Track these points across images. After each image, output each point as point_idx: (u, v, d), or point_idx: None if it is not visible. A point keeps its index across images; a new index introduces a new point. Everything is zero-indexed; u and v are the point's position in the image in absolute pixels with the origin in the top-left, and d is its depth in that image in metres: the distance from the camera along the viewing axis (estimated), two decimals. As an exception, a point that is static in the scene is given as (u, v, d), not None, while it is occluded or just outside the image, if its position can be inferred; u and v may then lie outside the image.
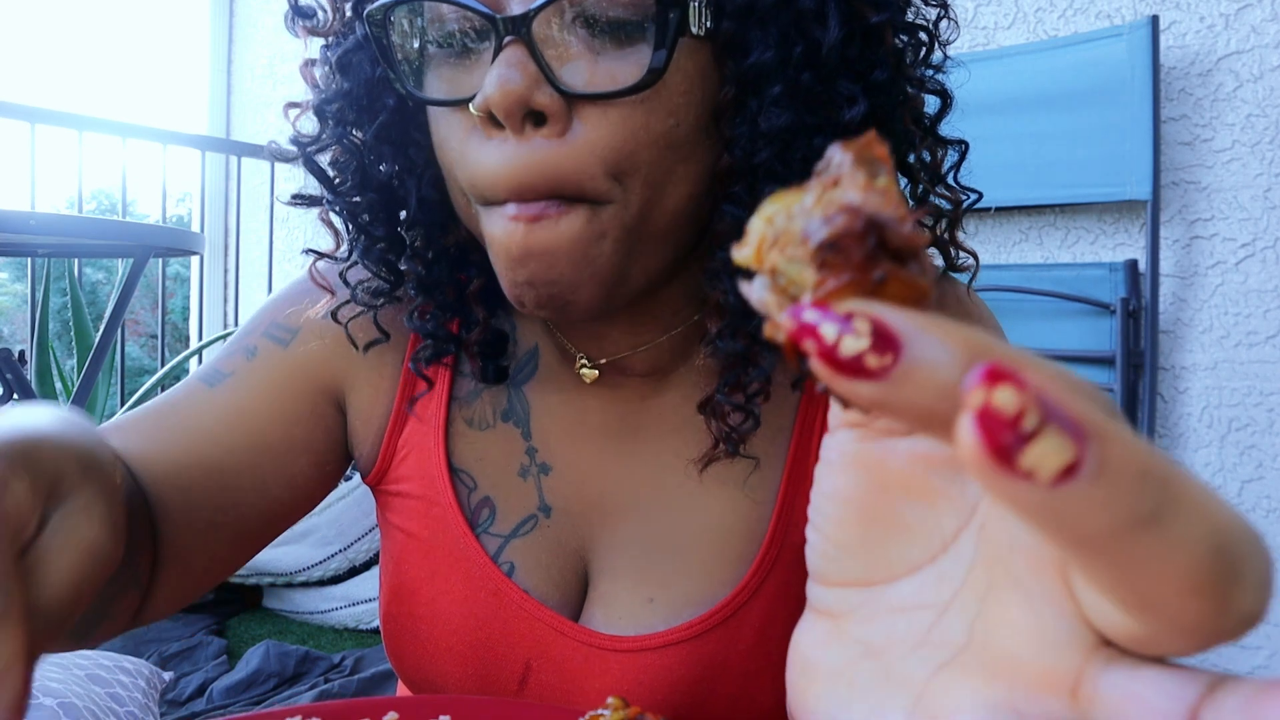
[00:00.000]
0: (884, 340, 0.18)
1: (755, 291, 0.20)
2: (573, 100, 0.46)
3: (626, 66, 0.46)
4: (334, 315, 0.61)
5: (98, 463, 0.35)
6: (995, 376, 0.16)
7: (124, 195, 2.98)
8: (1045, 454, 0.16)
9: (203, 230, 3.30)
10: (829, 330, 0.18)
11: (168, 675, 1.39)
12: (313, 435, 0.62)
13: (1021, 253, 2.04)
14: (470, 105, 0.47)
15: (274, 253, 3.39)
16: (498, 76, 0.45)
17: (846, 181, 0.20)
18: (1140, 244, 1.91)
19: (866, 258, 0.19)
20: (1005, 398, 0.16)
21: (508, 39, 0.45)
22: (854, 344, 0.18)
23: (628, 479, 0.60)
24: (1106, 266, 1.91)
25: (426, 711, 0.50)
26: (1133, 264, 1.89)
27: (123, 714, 1.06)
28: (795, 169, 0.49)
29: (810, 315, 0.19)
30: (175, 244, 1.86)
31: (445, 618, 0.60)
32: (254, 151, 3.31)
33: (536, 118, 0.46)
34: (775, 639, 0.56)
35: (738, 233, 0.49)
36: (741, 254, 0.21)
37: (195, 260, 3.30)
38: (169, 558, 0.56)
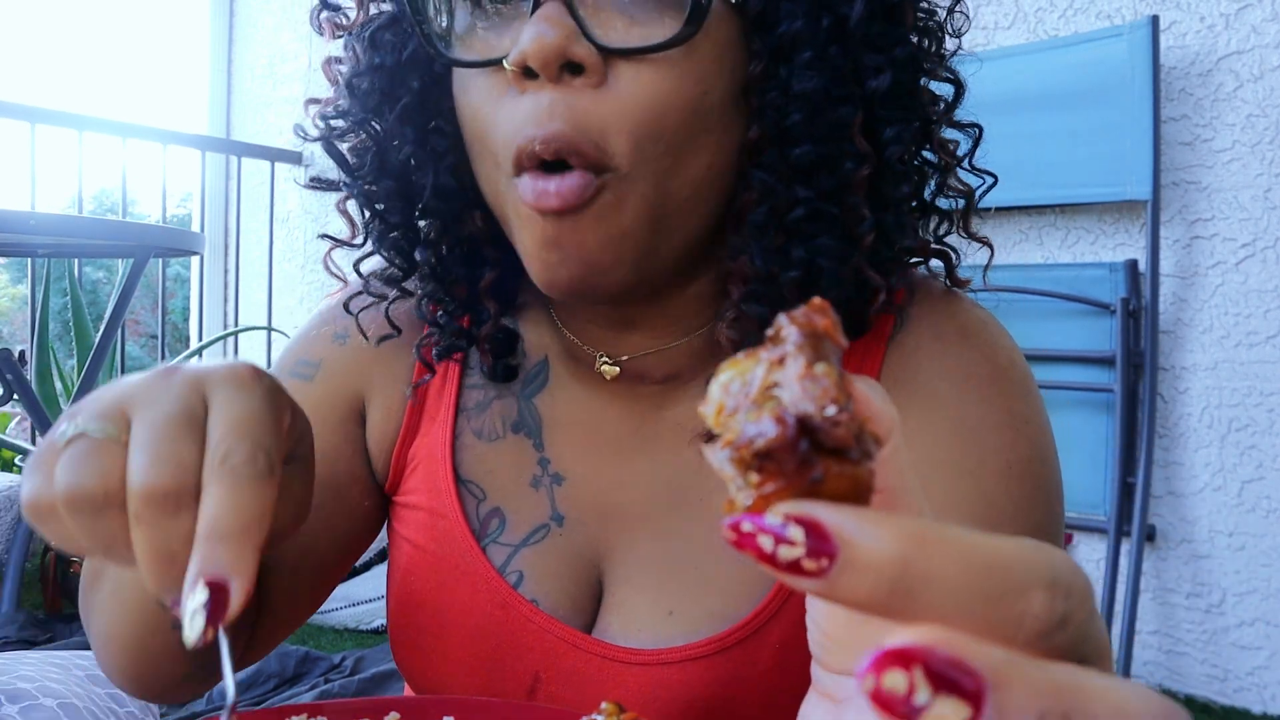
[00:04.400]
0: (820, 542, 0.19)
1: (717, 461, 0.21)
2: (608, 55, 0.47)
3: (661, 27, 0.47)
4: (345, 306, 0.61)
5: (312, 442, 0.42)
6: (883, 663, 0.18)
7: (124, 195, 2.98)
8: (943, 716, 0.17)
9: (203, 230, 3.30)
10: (765, 541, 0.19)
11: (168, 675, 1.39)
12: (354, 465, 0.63)
13: (1022, 253, 2.04)
14: (505, 61, 0.47)
15: (274, 253, 3.39)
16: (535, 31, 0.46)
17: (789, 364, 0.21)
18: (1140, 244, 1.91)
19: (800, 462, 0.20)
20: (893, 681, 0.18)
21: None
22: (789, 552, 0.19)
23: (644, 488, 0.59)
24: (1106, 266, 1.91)
25: (428, 712, 0.50)
26: (1133, 264, 1.89)
27: (123, 714, 1.06)
28: (823, 133, 0.50)
29: (748, 525, 0.20)
30: (175, 244, 1.86)
31: (452, 630, 0.60)
32: (254, 151, 3.31)
33: (573, 68, 0.47)
34: (796, 661, 0.55)
35: (766, 198, 0.51)
36: (704, 410, 0.22)
37: (195, 260, 3.30)
38: (262, 601, 0.59)
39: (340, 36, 0.57)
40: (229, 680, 0.35)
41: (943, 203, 0.58)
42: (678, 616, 0.56)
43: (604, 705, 0.47)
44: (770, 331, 0.22)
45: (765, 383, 0.21)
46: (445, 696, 0.53)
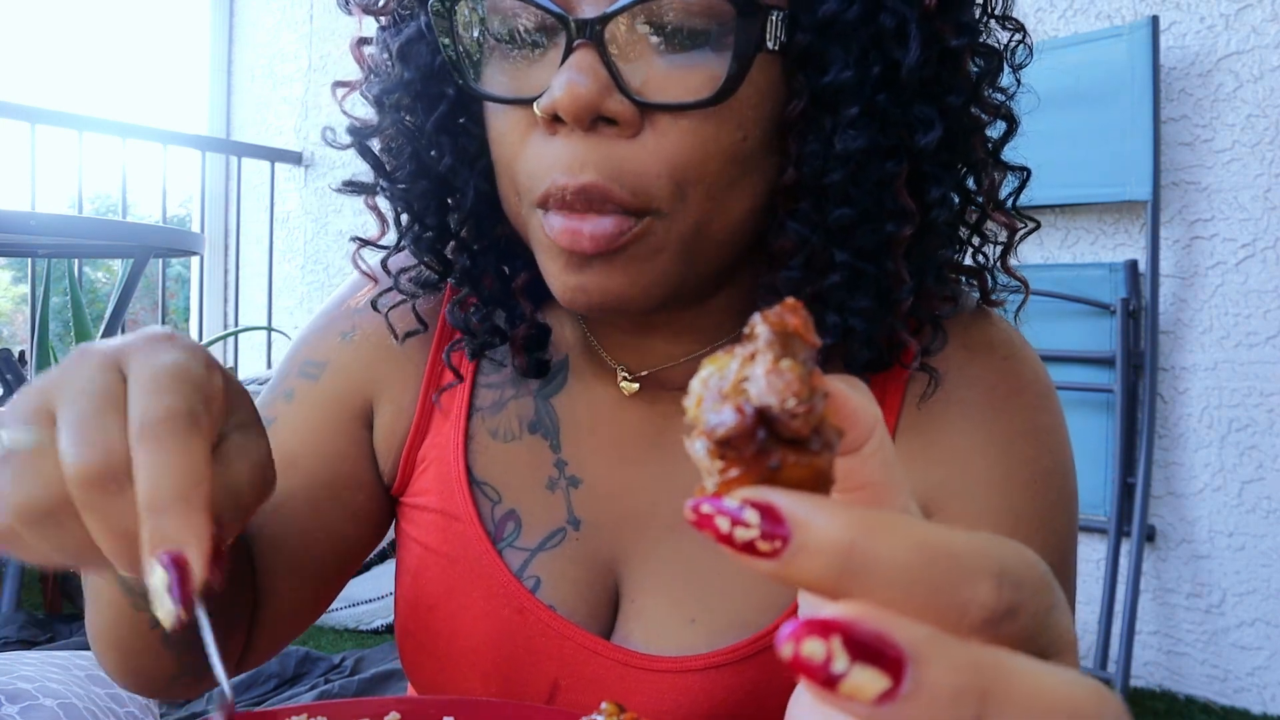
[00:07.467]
0: (774, 525, 0.20)
1: (693, 451, 0.22)
2: (644, 108, 0.45)
3: (698, 77, 0.45)
4: (374, 304, 0.61)
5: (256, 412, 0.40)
6: (802, 632, 0.19)
7: (124, 195, 2.98)
8: (861, 684, 0.18)
9: (203, 230, 3.30)
10: (722, 522, 0.20)
11: (168, 675, 1.38)
12: (358, 467, 0.62)
13: (1022, 253, 2.04)
14: (535, 105, 0.46)
15: (274, 253, 3.39)
16: (567, 80, 0.44)
17: (758, 360, 0.22)
18: (1140, 244, 1.91)
19: (759, 450, 0.21)
20: (811, 648, 0.18)
21: (578, 41, 0.44)
22: (745, 533, 0.20)
23: (662, 494, 0.58)
24: (1106, 267, 1.91)
25: (429, 712, 0.50)
26: (1133, 264, 1.89)
27: (123, 714, 1.06)
28: (866, 191, 0.48)
29: (707, 507, 0.21)
30: (175, 244, 1.86)
31: (466, 635, 0.59)
32: (254, 152, 3.31)
33: (606, 120, 0.45)
34: None
35: (800, 249, 0.49)
36: (686, 403, 0.23)
37: (195, 260, 3.30)
38: (261, 603, 0.59)
39: (371, 13, 0.55)
40: (216, 665, 0.34)
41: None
42: (700, 624, 0.56)
43: (604, 705, 0.47)
44: (746, 330, 0.23)
45: (738, 377, 0.22)
46: (446, 696, 0.53)
